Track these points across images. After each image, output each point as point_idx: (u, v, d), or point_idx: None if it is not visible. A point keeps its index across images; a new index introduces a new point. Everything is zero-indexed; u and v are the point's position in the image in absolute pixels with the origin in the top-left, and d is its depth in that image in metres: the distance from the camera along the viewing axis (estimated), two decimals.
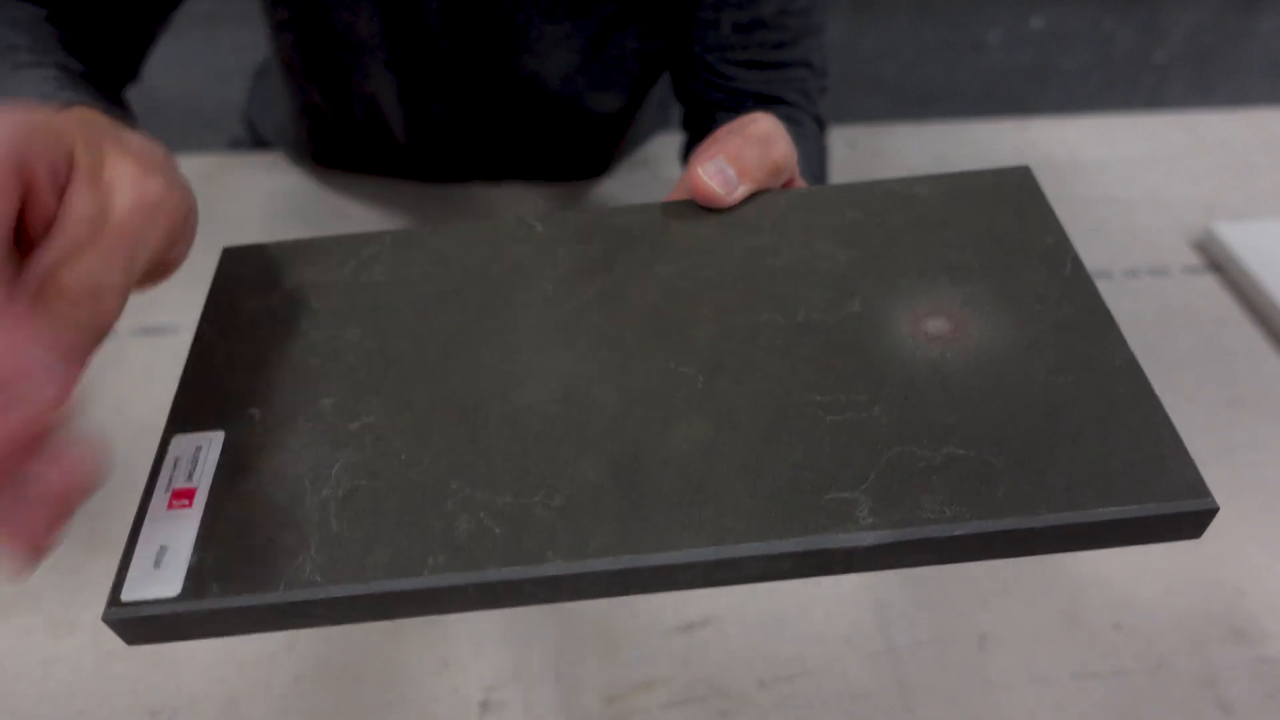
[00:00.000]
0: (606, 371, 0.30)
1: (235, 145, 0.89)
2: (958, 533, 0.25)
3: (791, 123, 0.61)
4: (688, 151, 0.67)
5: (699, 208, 0.35)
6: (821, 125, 0.64)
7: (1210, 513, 0.25)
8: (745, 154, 0.34)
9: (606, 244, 0.34)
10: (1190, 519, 0.26)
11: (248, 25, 0.69)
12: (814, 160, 0.60)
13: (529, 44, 0.64)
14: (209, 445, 0.29)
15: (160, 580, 0.26)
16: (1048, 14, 1.85)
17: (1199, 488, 0.26)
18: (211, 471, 0.28)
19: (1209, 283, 0.70)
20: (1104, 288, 0.69)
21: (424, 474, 0.28)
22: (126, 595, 0.26)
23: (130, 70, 0.57)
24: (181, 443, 0.29)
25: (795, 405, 0.29)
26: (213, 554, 0.26)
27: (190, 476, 0.28)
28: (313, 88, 0.71)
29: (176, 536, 0.27)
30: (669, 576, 0.26)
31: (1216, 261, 0.72)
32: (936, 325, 0.31)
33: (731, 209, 0.35)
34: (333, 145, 0.76)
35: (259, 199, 0.76)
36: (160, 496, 0.28)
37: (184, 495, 0.28)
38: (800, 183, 0.38)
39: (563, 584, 0.26)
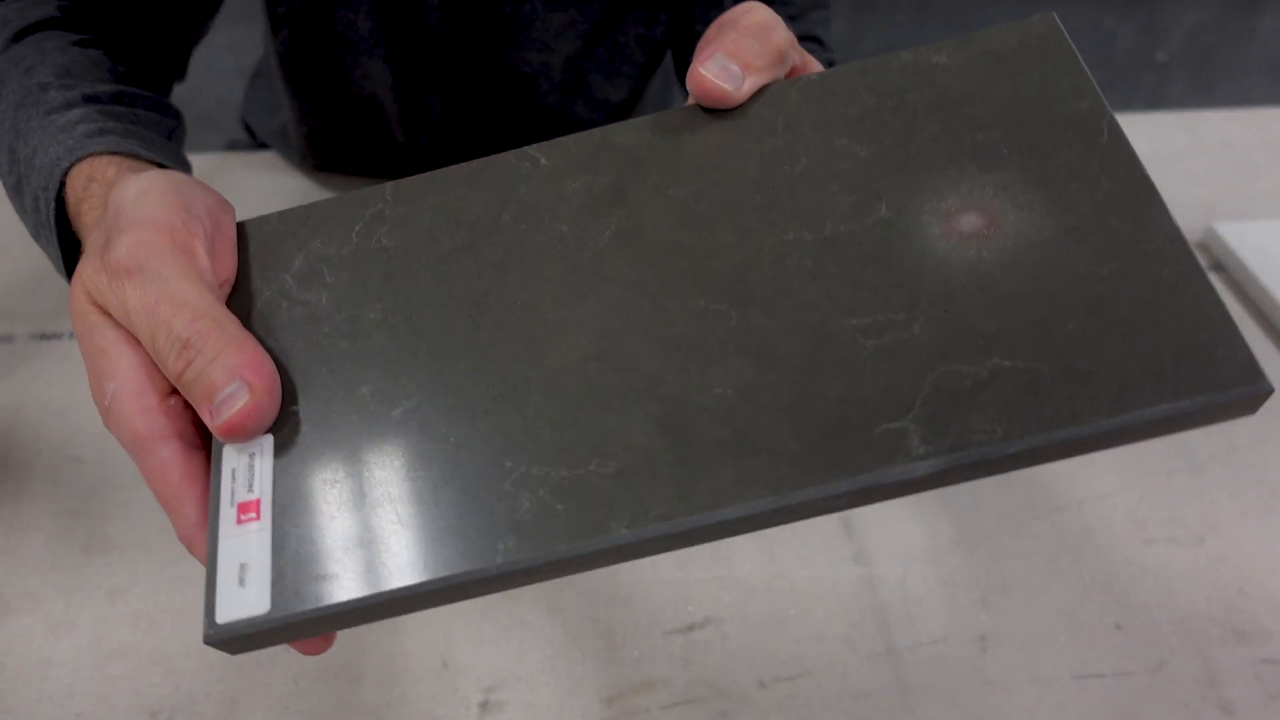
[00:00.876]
0: (636, 319, 0.29)
1: (233, 145, 0.89)
2: (1011, 450, 0.25)
3: None
4: None
5: (703, 115, 0.32)
6: None
7: (1265, 394, 0.25)
8: (744, 45, 0.32)
9: (615, 171, 0.32)
10: (1246, 405, 0.25)
11: (246, 24, 0.69)
12: None
13: (532, 36, 0.64)
14: (260, 452, 0.29)
15: (248, 598, 0.27)
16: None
17: (1252, 373, 0.25)
18: (269, 478, 0.28)
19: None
20: None
21: (476, 456, 0.28)
22: (221, 618, 0.27)
23: (178, 68, 0.57)
24: (233, 454, 0.29)
25: (832, 333, 0.28)
26: (290, 564, 0.27)
27: (251, 488, 0.28)
28: (311, 87, 0.71)
29: (253, 552, 0.28)
30: (729, 528, 0.26)
31: (1218, 261, 0.72)
32: (969, 221, 0.29)
33: (739, 108, 0.33)
34: (333, 148, 0.76)
35: (257, 199, 0.76)
36: (227, 512, 0.28)
37: (249, 508, 0.28)
38: (814, 65, 0.36)
39: (627, 550, 0.26)
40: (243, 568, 0.27)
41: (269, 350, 0.30)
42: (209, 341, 0.28)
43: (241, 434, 0.28)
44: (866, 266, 0.29)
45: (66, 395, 0.59)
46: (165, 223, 0.30)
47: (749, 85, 0.32)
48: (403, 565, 0.26)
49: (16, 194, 0.43)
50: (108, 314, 0.30)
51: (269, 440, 0.29)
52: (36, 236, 0.42)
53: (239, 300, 0.32)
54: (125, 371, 0.29)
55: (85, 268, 0.30)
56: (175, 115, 0.49)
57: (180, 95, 0.58)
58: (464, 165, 0.33)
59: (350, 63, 0.67)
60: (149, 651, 0.46)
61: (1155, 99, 1.94)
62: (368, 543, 0.27)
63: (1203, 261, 0.71)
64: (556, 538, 0.26)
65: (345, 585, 0.26)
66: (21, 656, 0.46)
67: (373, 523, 0.27)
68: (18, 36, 0.48)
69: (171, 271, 0.29)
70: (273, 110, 0.78)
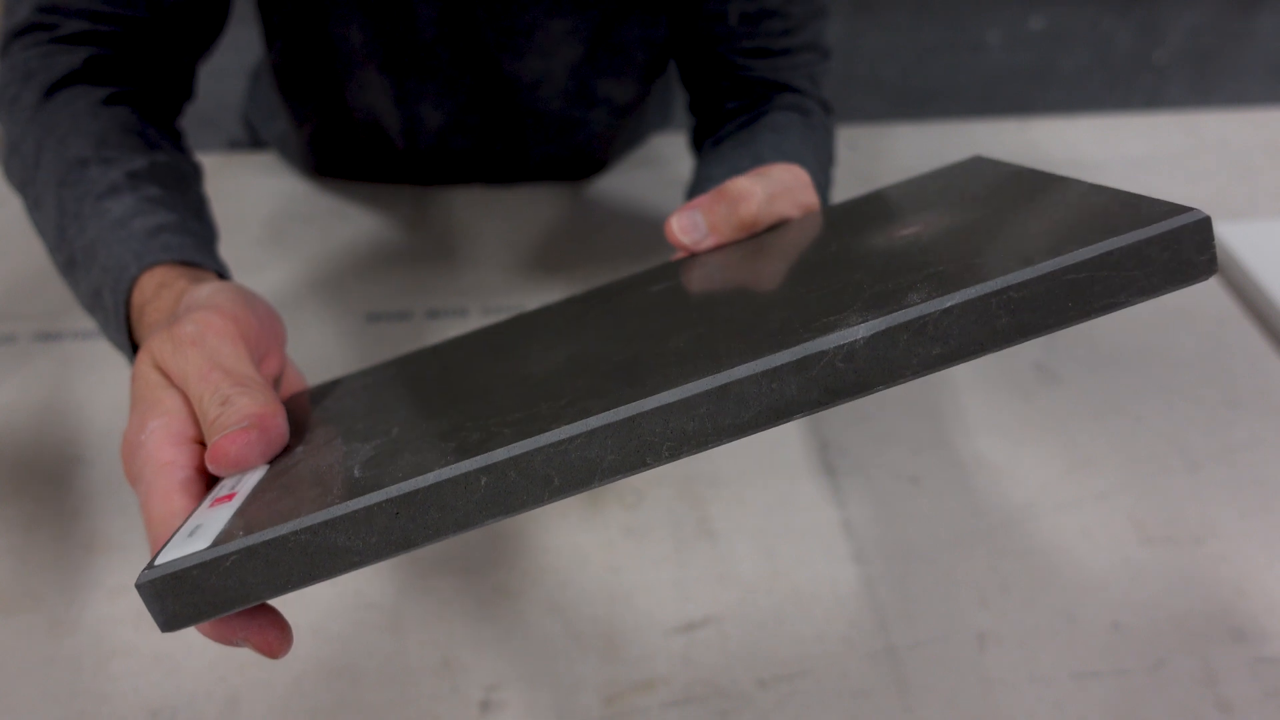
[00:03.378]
0: (607, 340, 0.32)
1: (234, 145, 0.89)
2: (951, 304, 0.25)
3: (800, 112, 0.61)
4: (694, 137, 0.67)
5: (687, 258, 0.39)
6: (828, 110, 0.64)
7: (1203, 225, 0.25)
8: (716, 210, 0.39)
9: (608, 292, 0.38)
10: (1190, 243, 0.25)
11: (246, 25, 0.69)
12: (822, 151, 0.60)
13: (533, 44, 0.64)
14: (254, 472, 0.31)
15: (190, 545, 0.27)
16: (1047, 14, 1.86)
17: (1180, 208, 0.25)
18: (254, 481, 0.30)
19: (1209, 282, 0.70)
20: None
21: (440, 426, 0.29)
22: (159, 560, 0.27)
23: (188, 91, 0.57)
24: (229, 478, 0.31)
25: (784, 298, 0.29)
26: (244, 520, 0.27)
27: (234, 487, 0.30)
28: (307, 97, 0.71)
29: (213, 519, 0.28)
30: (679, 427, 0.26)
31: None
32: (909, 229, 0.32)
33: (720, 249, 0.39)
34: (333, 155, 0.76)
35: (258, 199, 0.76)
36: (204, 503, 0.30)
37: (225, 498, 0.29)
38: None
39: (572, 453, 0.25)
40: (197, 527, 0.28)
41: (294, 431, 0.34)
42: (243, 399, 0.31)
43: (227, 458, 0.30)
44: (818, 270, 0.31)
45: (69, 395, 0.59)
46: (230, 313, 0.35)
47: (709, 243, 0.39)
48: (344, 496, 0.26)
49: (68, 271, 0.46)
50: (167, 375, 0.33)
51: (264, 467, 0.31)
52: (91, 310, 0.45)
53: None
54: (171, 413, 0.32)
55: (154, 339, 0.34)
56: (195, 170, 0.52)
57: None
58: (488, 326, 0.40)
59: (345, 74, 0.67)
60: (151, 650, 0.47)
61: (1154, 99, 1.94)
62: (320, 494, 0.27)
63: None
64: (499, 445, 0.26)
65: (282, 520, 0.26)
66: (24, 655, 0.46)
67: (329, 482, 0.28)
68: (48, 93, 0.49)
69: (228, 350, 0.33)
70: (274, 114, 0.78)
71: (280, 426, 0.32)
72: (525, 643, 0.47)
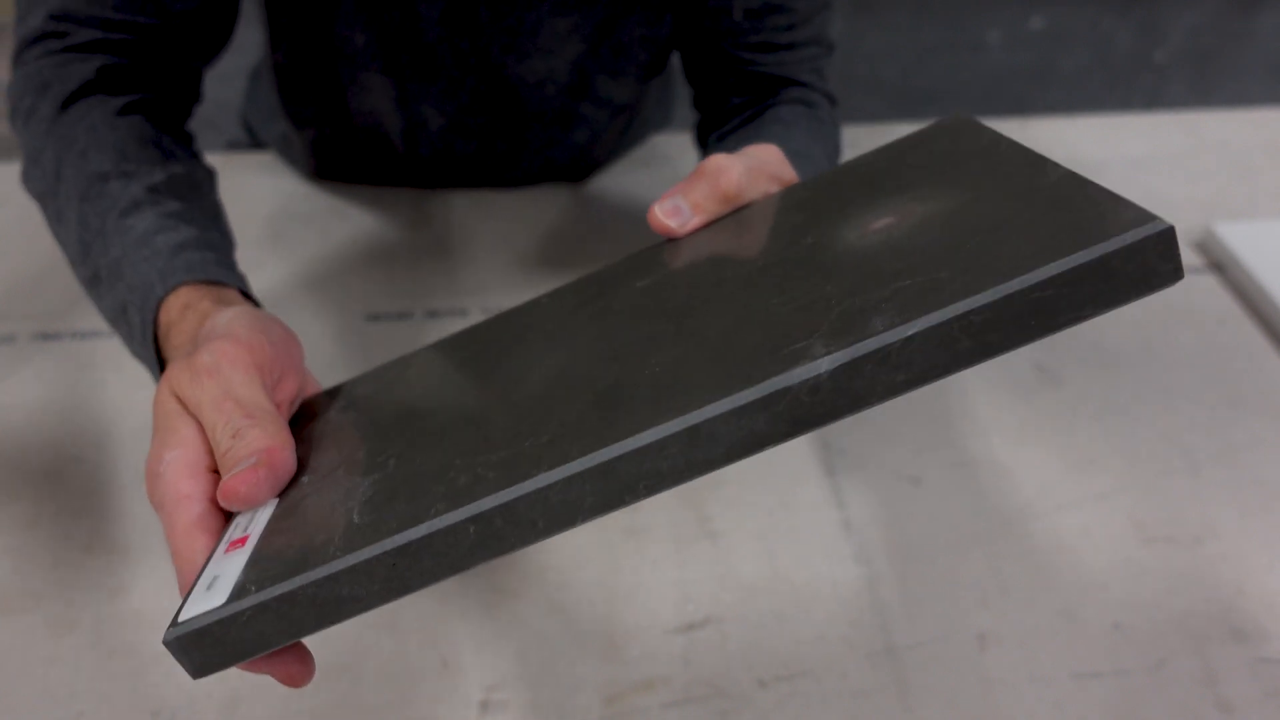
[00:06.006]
0: (592, 353, 0.32)
1: (234, 145, 0.89)
2: (913, 332, 0.25)
3: (806, 105, 0.61)
4: (699, 132, 0.67)
5: (673, 243, 0.39)
6: (833, 102, 0.64)
7: (1167, 235, 0.24)
8: (695, 189, 0.39)
9: (599, 287, 0.38)
10: (1154, 253, 0.24)
11: (245, 26, 0.69)
12: (829, 144, 0.60)
13: (536, 44, 0.64)
14: (265, 508, 0.32)
15: (210, 599, 0.28)
16: (1047, 14, 1.86)
17: (1144, 216, 0.24)
18: (264, 523, 0.31)
19: (1209, 282, 0.70)
20: None
21: (433, 464, 0.30)
22: (182, 617, 0.28)
23: (196, 95, 0.58)
24: (245, 513, 0.32)
25: (757, 310, 0.30)
26: (256, 571, 0.29)
27: (246, 529, 0.31)
28: (309, 100, 0.71)
29: (229, 568, 0.29)
30: (654, 467, 0.26)
31: (1217, 261, 0.72)
32: (881, 220, 0.32)
33: (704, 232, 0.39)
34: (333, 158, 0.76)
35: (257, 200, 0.76)
36: (220, 548, 0.31)
37: (239, 542, 0.31)
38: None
39: (553, 497, 0.26)
40: (215, 579, 0.29)
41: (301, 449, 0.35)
42: (254, 431, 0.32)
43: (236, 497, 0.31)
44: (793, 270, 0.31)
45: (68, 395, 0.59)
46: (246, 341, 0.36)
47: (695, 222, 0.39)
48: (344, 548, 0.28)
49: (92, 286, 0.47)
50: (184, 404, 0.35)
51: (273, 501, 0.32)
52: (114, 323, 0.46)
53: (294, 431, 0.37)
54: (187, 444, 0.33)
55: (173, 368, 0.36)
56: (210, 176, 0.53)
57: None
58: (488, 319, 0.41)
59: (348, 77, 0.67)
60: (150, 651, 0.47)
61: (1154, 99, 1.94)
62: (323, 541, 0.28)
63: (1201, 261, 0.72)
64: (484, 493, 0.27)
65: (289, 573, 0.28)
66: (23, 655, 0.46)
67: (331, 527, 0.29)
68: (64, 105, 0.50)
69: (241, 378, 0.34)
70: (274, 116, 0.78)
71: (287, 460, 0.33)
72: (525, 643, 0.47)
